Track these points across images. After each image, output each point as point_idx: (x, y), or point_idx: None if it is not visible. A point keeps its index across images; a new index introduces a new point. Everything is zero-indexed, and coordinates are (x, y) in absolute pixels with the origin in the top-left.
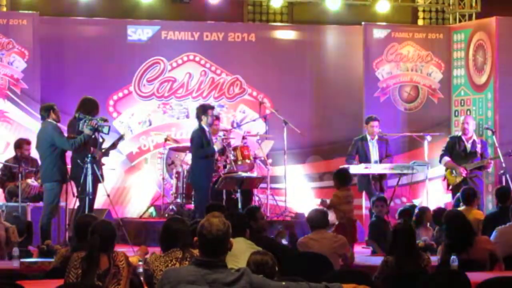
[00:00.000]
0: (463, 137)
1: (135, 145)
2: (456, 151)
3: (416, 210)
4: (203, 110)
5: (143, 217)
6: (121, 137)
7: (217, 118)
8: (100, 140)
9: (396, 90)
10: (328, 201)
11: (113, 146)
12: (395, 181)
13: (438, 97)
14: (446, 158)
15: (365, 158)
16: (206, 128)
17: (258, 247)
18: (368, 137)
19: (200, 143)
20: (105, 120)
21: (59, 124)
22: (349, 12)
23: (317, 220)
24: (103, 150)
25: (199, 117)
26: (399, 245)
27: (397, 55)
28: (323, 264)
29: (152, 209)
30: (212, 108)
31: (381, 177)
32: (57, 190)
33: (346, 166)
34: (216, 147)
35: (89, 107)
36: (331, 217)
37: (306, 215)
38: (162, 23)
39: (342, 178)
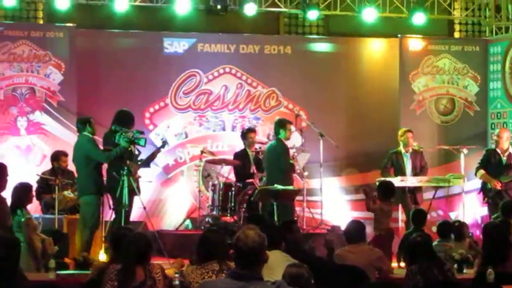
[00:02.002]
0: (498, 150)
1: (171, 157)
2: (491, 164)
3: (456, 224)
4: (282, 124)
5: (179, 230)
6: (162, 146)
7: (254, 130)
8: (136, 152)
9: (432, 103)
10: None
11: (153, 155)
12: (430, 194)
13: (474, 110)
14: (482, 171)
15: (400, 171)
16: (286, 143)
17: (294, 259)
18: (403, 150)
19: (288, 156)
20: (141, 133)
21: (95, 137)
22: (385, 24)
23: (355, 233)
24: (139, 162)
25: (277, 132)
26: (420, 256)
27: (433, 68)
28: (360, 277)
29: (188, 222)
30: (291, 123)
31: (416, 189)
32: (95, 202)
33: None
34: None
35: (124, 120)
36: (367, 229)
37: (342, 227)
38: (198, 36)
39: (386, 191)
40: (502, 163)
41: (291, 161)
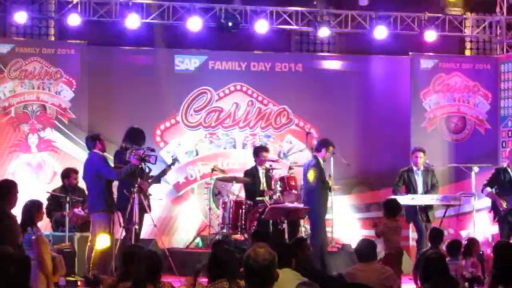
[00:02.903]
0: (508, 168)
1: (182, 175)
2: (501, 182)
3: (465, 242)
4: (326, 144)
5: (190, 248)
6: (172, 164)
7: (266, 149)
8: (147, 170)
9: (443, 121)
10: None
11: (164, 172)
12: (441, 212)
13: (485, 128)
14: (488, 189)
15: (411, 189)
16: (321, 162)
17: (304, 277)
18: (414, 168)
19: (321, 175)
20: (152, 150)
21: (106, 154)
22: (396, 42)
23: (366, 252)
24: (150, 180)
25: (318, 150)
26: (434, 273)
27: (444, 86)
28: None
29: (198, 240)
30: (333, 145)
31: (427, 208)
32: (105, 220)
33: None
34: None
35: (135, 137)
36: (378, 247)
37: (353, 246)
38: (209, 53)
39: (391, 207)
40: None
41: (327, 181)
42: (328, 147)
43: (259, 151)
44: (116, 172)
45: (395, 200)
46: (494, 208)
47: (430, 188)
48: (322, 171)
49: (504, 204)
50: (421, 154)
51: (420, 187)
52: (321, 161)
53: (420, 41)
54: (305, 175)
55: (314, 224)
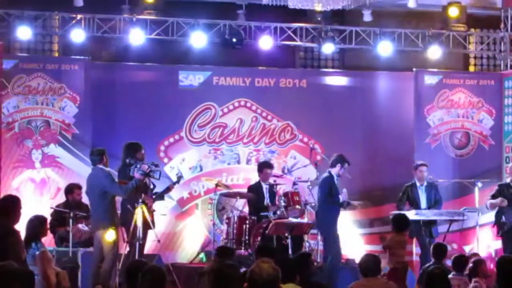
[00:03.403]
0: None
1: (186, 190)
2: (504, 198)
3: (471, 264)
4: (340, 160)
5: (194, 263)
6: (177, 181)
7: (271, 166)
8: (151, 186)
9: (447, 137)
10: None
11: (168, 189)
12: (445, 227)
13: (489, 144)
14: (490, 201)
15: (415, 204)
16: (335, 177)
17: None
18: (418, 183)
19: (330, 190)
20: (156, 165)
21: (109, 169)
22: (401, 58)
23: (370, 267)
24: (154, 195)
25: (333, 165)
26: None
27: (448, 102)
28: None
29: (202, 255)
30: (348, 163)
31: (430, 223)
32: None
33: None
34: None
35: (134, 150)
36: (382, 262)
37: (357, 261)
38: (213, 69)
39: (400, 223)
40: None
41: (339, 196)
42: (343, 164)
43: (263, 168)
44: (123, 188)
45: (404, 216)
46: (498, 223)
47: (433, 204)
48: (333, 186)
49: (504, 203)
50: (424, 168)
51: (423, 203)
52: (335, 177)
53: (424, 57)
54: (318, 189)
55: (324, 238)
